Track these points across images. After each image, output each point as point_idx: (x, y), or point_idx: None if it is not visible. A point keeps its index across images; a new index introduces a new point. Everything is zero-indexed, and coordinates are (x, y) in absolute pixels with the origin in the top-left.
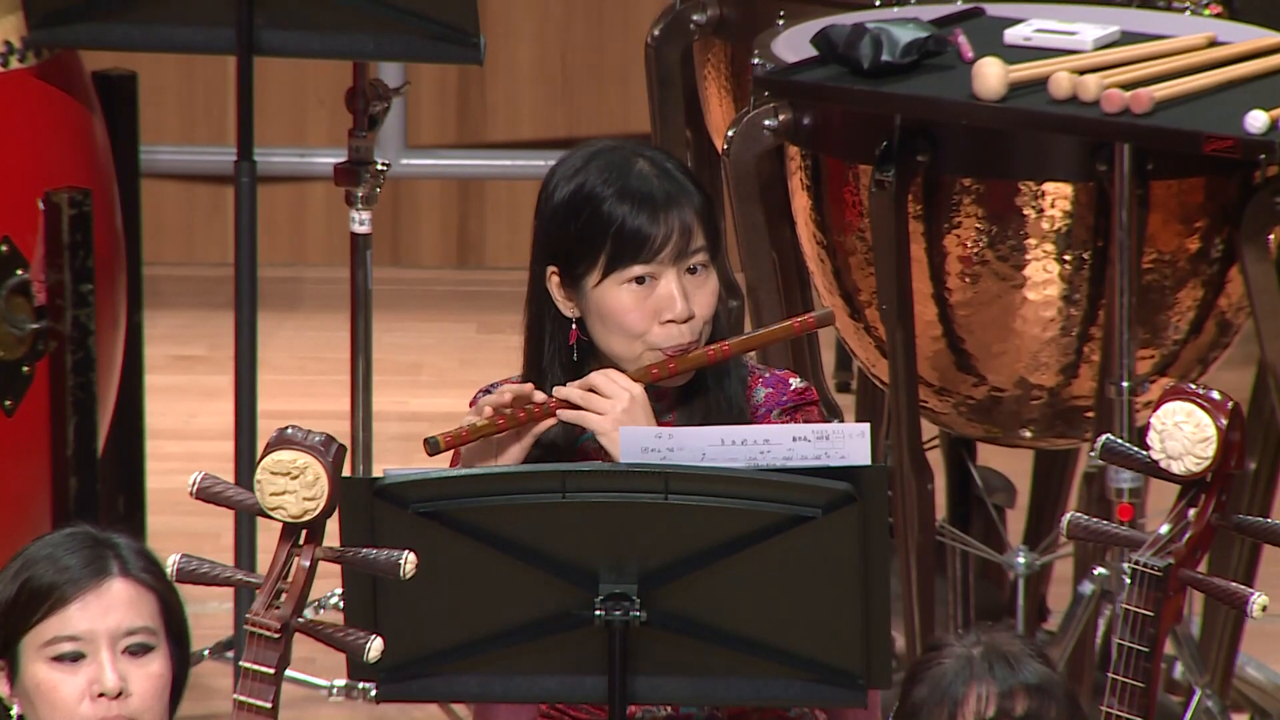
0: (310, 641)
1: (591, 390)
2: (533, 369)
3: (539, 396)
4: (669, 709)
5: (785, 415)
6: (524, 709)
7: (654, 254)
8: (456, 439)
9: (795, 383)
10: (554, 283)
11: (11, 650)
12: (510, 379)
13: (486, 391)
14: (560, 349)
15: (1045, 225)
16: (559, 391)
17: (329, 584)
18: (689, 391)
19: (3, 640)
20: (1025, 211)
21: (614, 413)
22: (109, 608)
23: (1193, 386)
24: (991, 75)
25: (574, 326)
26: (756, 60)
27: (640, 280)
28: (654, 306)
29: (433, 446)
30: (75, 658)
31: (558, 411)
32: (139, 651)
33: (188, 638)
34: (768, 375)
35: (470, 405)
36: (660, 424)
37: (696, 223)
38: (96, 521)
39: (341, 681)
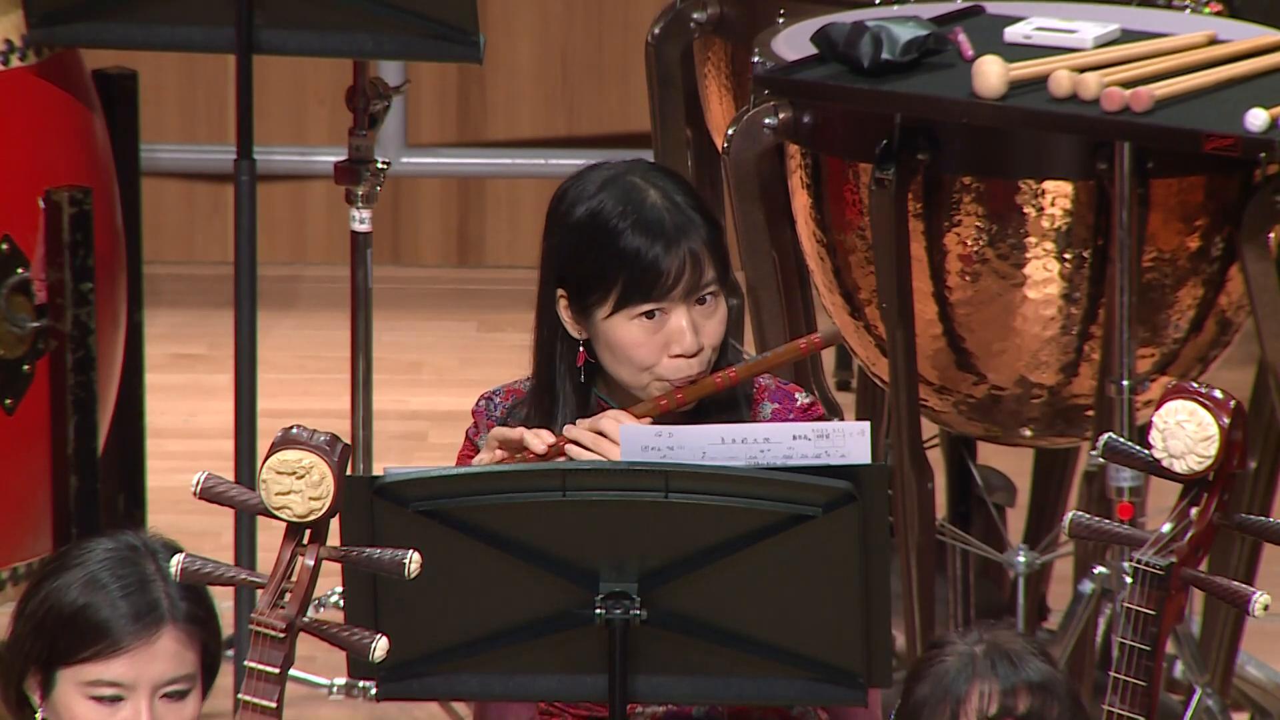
0: (310, 640)
1: (600, 434)
2: (543, 386)
3: (547, 437)
4: (664, 706)
5: None
6: (523, 707)
7: (665, 292)
8: None
9: (801, 398)
10: (562, 305)
11: (50, 669)
12: (516, 383)
13: (488, 398)
14: (569, 369)
15: (1045, 224)
16: (568, 432)
17: (328, 582)
18: (698, 416)
19: (46, 657)
20: (1025, 210)
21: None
22: (155, 657)
23: (1195, 385)
24: (991, 73)
25: (581, 349)
26: (757, 59)
27: (650, 315)
28: (663, 340)
29: None
30: (114, 699)
31: (567, 449)
32: (176, 697)
33: (218, 668)
34: (774, 389)
35: (473, 411)
36: None
37: (706, 254)
38: (134, 529)
39: (342, 680)
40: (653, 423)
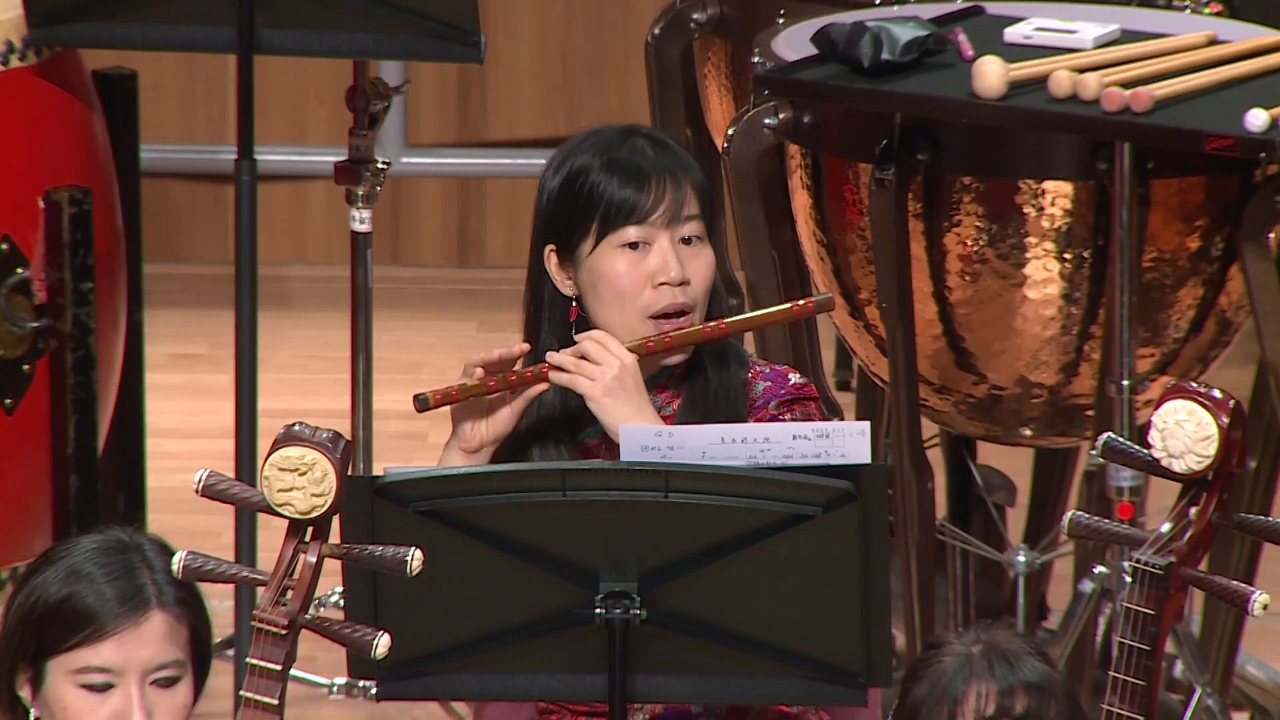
0: (311, 640)
1: (583, 357)
2: (531, 347)
3: (523, 347)
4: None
5: (783, 407)
6: (522, 706)
7: (645, 215)
8: (447, 398)
9: (795, 378)
10: (552, 261)
11: (40, 662)
12: None
13: None
14: (558, 326)
15: (1045, 224)
16: (551, 357)
17: (327, 583)
18: (689, 374)
19: (34, 650)
20: (1025, 210)
21: (604, 380)
22: (143, 642)
23: (1194, 385)
24: (991, 74)
25: (573, 304)
26: (757, 59)
27: (634, 246)
28: (647, 270)
29: (422, 403)
30: (104, 687)
31: (549, 375)
32: (167, 684)
33: (210, 660)
34: (768, 370)
35: None
36: (661, 409)
37: (690, 192)
38: (122, 526)
39: (342, 680)
40: (657, 409)
